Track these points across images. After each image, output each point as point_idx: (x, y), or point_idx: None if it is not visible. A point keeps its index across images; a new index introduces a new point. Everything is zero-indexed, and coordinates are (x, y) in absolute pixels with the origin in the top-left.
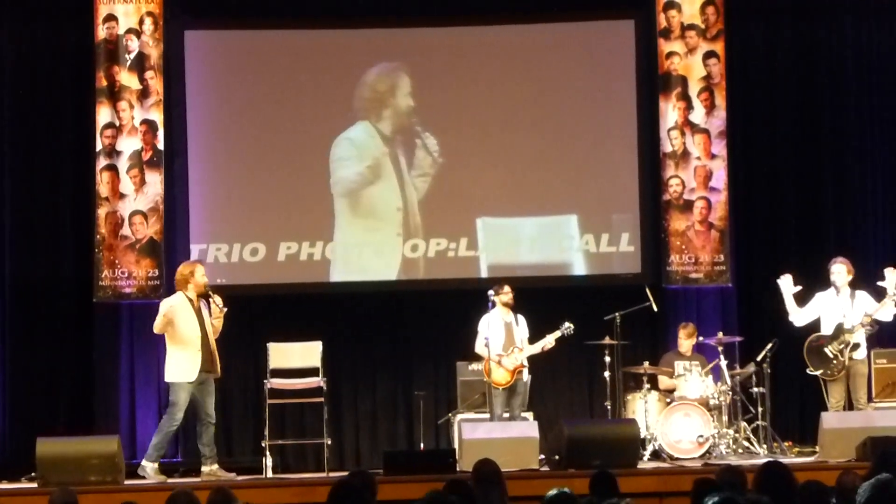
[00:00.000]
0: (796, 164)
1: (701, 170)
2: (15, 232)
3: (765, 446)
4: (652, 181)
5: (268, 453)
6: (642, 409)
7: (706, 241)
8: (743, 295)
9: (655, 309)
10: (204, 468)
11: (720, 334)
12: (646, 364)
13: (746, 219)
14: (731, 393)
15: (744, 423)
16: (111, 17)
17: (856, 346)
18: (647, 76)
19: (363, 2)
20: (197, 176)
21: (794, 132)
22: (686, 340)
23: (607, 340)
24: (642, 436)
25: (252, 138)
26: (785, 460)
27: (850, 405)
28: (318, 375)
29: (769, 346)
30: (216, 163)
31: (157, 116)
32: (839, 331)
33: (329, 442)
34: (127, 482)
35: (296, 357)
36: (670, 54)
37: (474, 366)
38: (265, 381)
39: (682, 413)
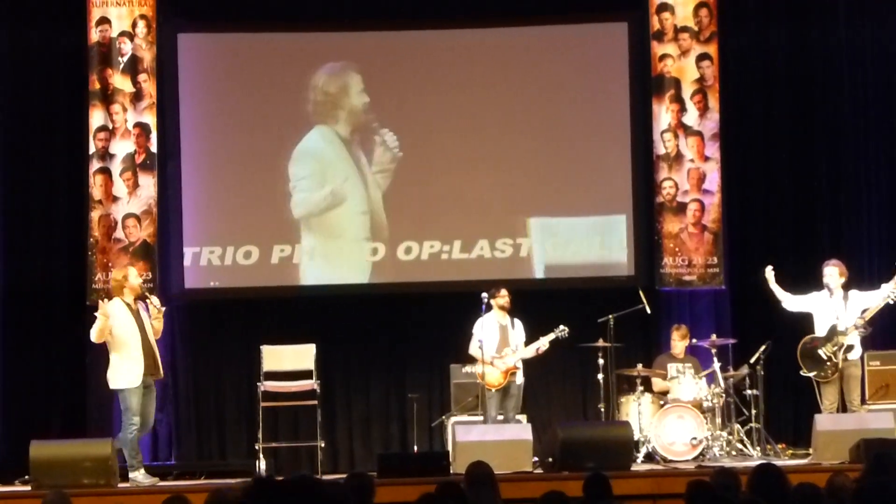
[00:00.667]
0: (790, 166)
1: (694, 172)
2: (8, 235)
3: (758, 448)
4: (645, 183)
5: (261, 456)
6: (636, 411)
7: (699, 243)
8: (736, 297)
9: (649, 311)
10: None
11: (713, 336)
12: (639, 366)
13: (740, 221)
14: (724, 395)
15: (737, 426)
16: (104, 20)
17: (849, 349)
18: (640, 78)
19: (357, 4)
20: (190, 179)
21: (787, 134)
22: (679, 342)
23: (601, 343)
24: (636, 438)
25: (245, 141)
26: (778, 462)
27: (843, 407)
28: (311, 378)
29: (762, 348)
30: (209, 166)
31: (151, 119)
32: (833, 333)
33: (323, 444)
34: (120, 485)
35: (289, 360)
36: (663, 56)
37: (468, 368)
38: (259, 383)
39: (675, 415)
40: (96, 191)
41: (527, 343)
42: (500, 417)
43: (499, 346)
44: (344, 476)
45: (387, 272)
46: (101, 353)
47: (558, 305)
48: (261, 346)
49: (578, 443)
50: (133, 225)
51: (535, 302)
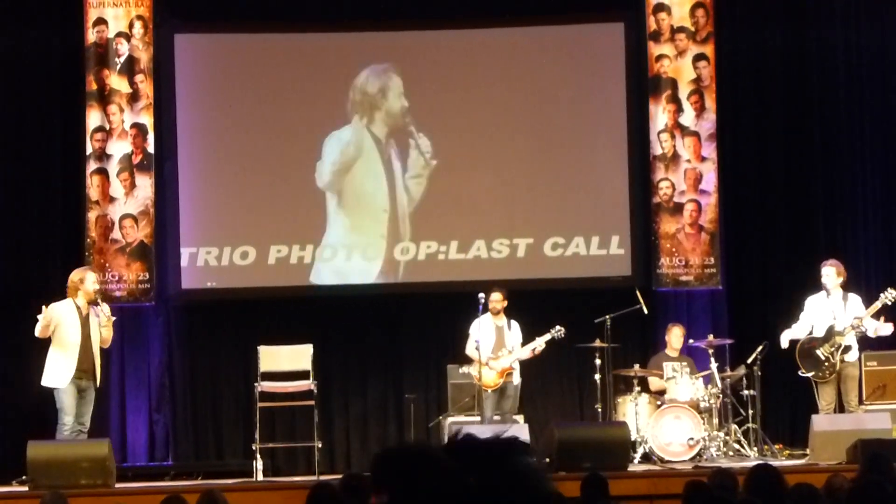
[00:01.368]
0: (786, 166)
1: (691, 172)
2: (4, 235)
3: (755, 449)
4: (642, 184)
5: (258, 456)
6: (633, 411)
7: (696, 243)
8: (733, 297)
9: (646, 311)
10: None
11: (711, 337)
12: (636, 367)
13: (737, 221)
14: (721, 395)
15: (734, 426)
16: (101, 21)
17: (847, 349)
18: (636, 79)
19: (352, 5)
20: (187, 179)
21: (784, 134)
22: (675, 340)
23: (598, 343)
24: (633, 438)
25: (242, 141)
26: (775, 463)
27: (840, 408)
28: (308, 378)
29: (759, 348)
30: (206, 166)
31: (147, 120)
32: (830, 333)
33: (320, 445)
34: (118, 485)
35: (286, 360)
36: (660, 57)
37: (465, 369)
38: (256, 384)
39: (672, 416)
40: (93, 191)
41: (523, 344)
42: (497, 418)
43: (495, 346)
44: (339, 476)
45: (385, 272)
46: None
47: (555, 306)
48: (258, 347)
49: (575, 443)
50: (130, 225)
51: (532, 302)
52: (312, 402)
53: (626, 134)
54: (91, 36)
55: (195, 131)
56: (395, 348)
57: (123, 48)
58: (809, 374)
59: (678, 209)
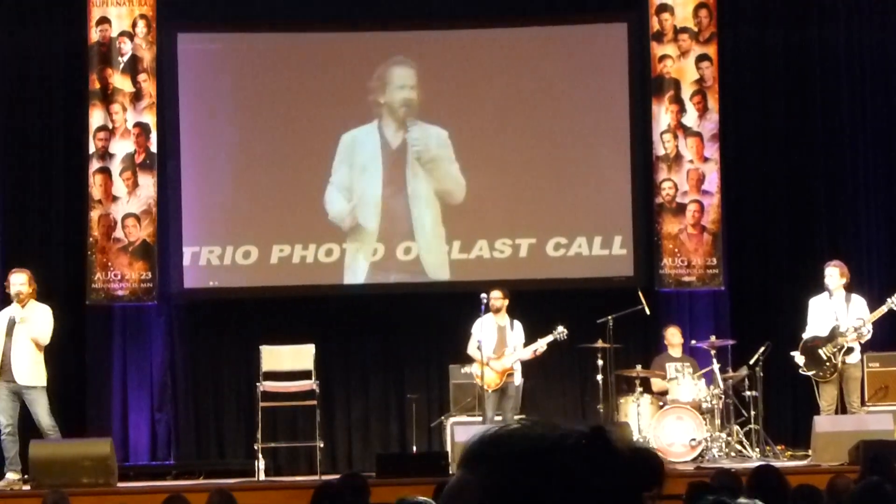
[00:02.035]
0: (789, 166)
1: (693, 173)
2: (7, 234)
3: (757, 450)
4: (644, 184)
5: (260, 456)
6: (635, 412)
7: (699, 244)
8: (735, 298)
9: (648, 312)
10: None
11: (713, 338)
12: (638, 367)
13: (739, 222)
14: (723, 396)
15: (736, 427)
16: (104, 20)
17: (849, 350)
18: (639, 79)
19: (355, 4)
20: (189, 179)
21: (786, 135)
22: (674, 340)
23: (600, 344)
24: (635, 439)
25: (244, 141)
26: (777, 464)
27: (842, 408)
28: (310, 378)
29: (762, 349)
30: (209, 165)
31: (150, 119)
32: (834, 334)
33: (321, 445)
34: (120, 484)
35: (288, 360)
36: (663, 57)
37: (466, 369)
38: (258, 383)
39: (674, 416)
40: (96, 190)
41: (526, 344)
42: (499, 418)
43: (496, 346)
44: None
45: (387, 272)
46: (100, 353)
47: (557, 306)
48: (260, 346)
49: None
50: (133, 224)
51: (535, 303)
52: (314, 402)
53: (628, 134)
54: (94, 35)
55: (198, 130)
56: (397, 348)
57: (126, 47)
58: (811, 374)
59: (681, 210)
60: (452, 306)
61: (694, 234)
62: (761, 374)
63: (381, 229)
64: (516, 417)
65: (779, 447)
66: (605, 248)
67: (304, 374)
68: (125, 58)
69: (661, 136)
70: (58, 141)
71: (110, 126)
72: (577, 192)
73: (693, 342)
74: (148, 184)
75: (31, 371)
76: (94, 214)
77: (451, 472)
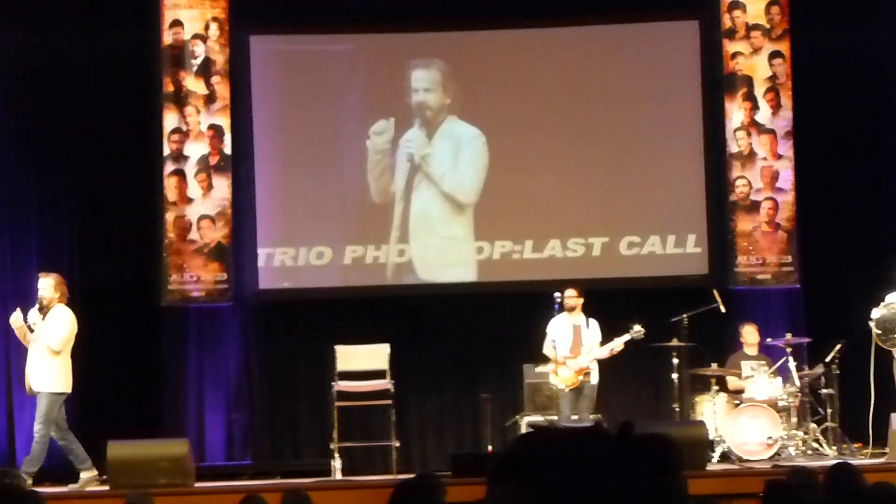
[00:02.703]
0: (862, 163)
1: (767, 170)
2: (82, 236)
3: (834, 448)
4: (718, 182)
5: (336, 455)
6: (710, 410)
7: (773, 241)
8: (810, 296)
9: (723, 310)
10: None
11: (788, 335)
12: (713, 366)
13: (813, 219)
14: (799, 394)
15: (813, 425)
16: (177, 23)
17: None
18: (711, 77)
19: (420, 5)
20: (263, 180)
21: (859, 131)
22: (750, 339)
23: (674, 342)
24: (711, 438)
25: (317, 142)
26: (854, 462)
27: None
28: (385, 378)
29: (837, 347)
30: (282, 167)
31: (224, 121)
32: None
33: (397, 444)
34: (196, 485)
35: (363, 360)
36: (735, 54)
37: (541, 368)
38: (333, 383)
39: (749, 415)
40: (170, 192)
41: (602, 343)
42: (574, 417)
43: (572, 345)
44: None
45: (460, 272)
46: (175, 354)
47: (631, 305)
48: (334, 346)
49: None
50: (207, 226)
51: (608, 301)
52: (389, 402)
53: (701, 132)
54: (167, 38)
55: (271, 132)
56: (471, 348)
57: (199, 50)
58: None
59: (755, 207)
60: (526, 305)
61: (768, 231)
62: (837, 372)
63: (453, 230)
64: (591, 417)
65: (855, 445)
66: (679, 247)
67: (378, 374)
68: (198, 60)
69: (735, 134)
70: (132, 143)
71: (184, 128)
72: (650, 191)
73: (768, 340)
74: (222, 185)
75: (40, 377)
76: (169, 216)
77: None
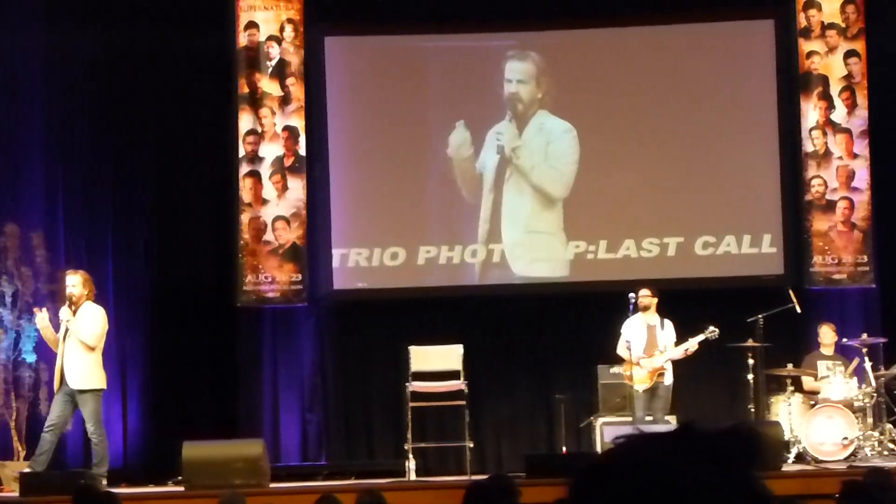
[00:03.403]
0: None
1: (843, 170)
2: (158, 237)
3: None
4: (793, 181)
5: (410, 456)
6: (786, 411)
7: (849, 241)
8: (886, 295)
9: (799, 311)
10: None
11: (864, 335)
12: (789, 366)
13: (889, 219)
14: (875, 395)
15: (888, 425)
16: (252, 25)
17: None
18: (787, 76)
19: (498, 4)
20: (338, 181)
21: None
22: (827, 339)
23: (750, 343)
24: (786, 438)
25: (392, 143)
26: None
27: None
28: (459, 378)
29: None
30: (357, 168)
31: (299, 122)
32: None
33: (471, 445)
34: (272, 485)
35: (437, 360)
36: (810, 54)
37: (615, 369)
38: (407, 384)
39: (825, 415)
40: (246, 194)
41: (677, 343)
42: (649, 418)
43: (646, 346)
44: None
45: (534, 272)
46: (251, 354)
47: (706, 305)
48: (408, 347)
49: None
50: (282, 227)
51: (683, 302)
52: (463, 402)
53: (777, 131)
54: (242, 39)
55: (345, 133)
56: (545, 348)
57: (274, 51)
58: None
59: (830, 207)
60: (600, 306)
61: (844, 231)
62: None
63: (528, 229)
64: (667, 417)
65: None
66: (755, 247)
67: (452, 374)
68: (273, 62)
69: (810, 133)
70: (207, 145)
71: (259, 130)
72: (725, 191)
73: (844, 340)
74: (297, 186)
75: (81, 374)
76: (245, 217)
77: None
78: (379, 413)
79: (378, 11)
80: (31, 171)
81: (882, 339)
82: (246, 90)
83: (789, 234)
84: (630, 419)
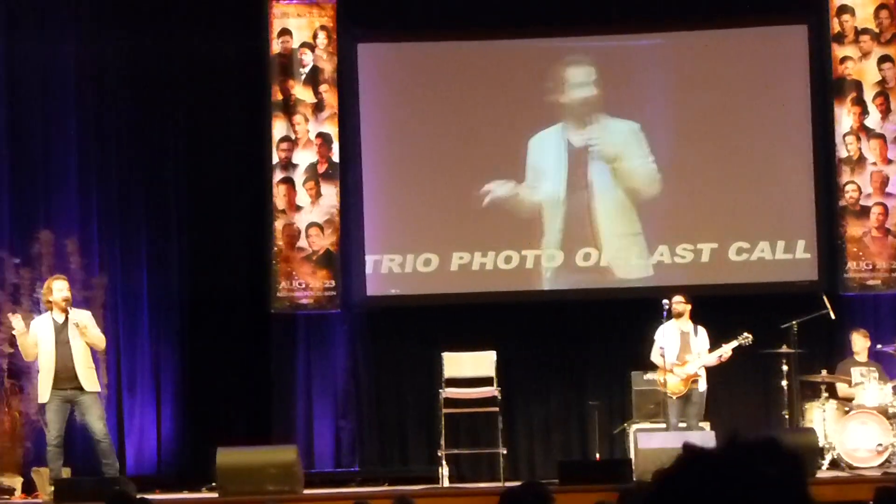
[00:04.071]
0: None
1: (877, 175)
2: (192, 244)
3: None
4: (827, 187)
5: (443, 462)
6: (820, 417)
7: (883, 247)
8: None
9: (833, 317)
10: None
11: None
12: (823, 373)
13: None
14: None
15: None
16: (285, 32)
17: None
18: (820, 81)
19: (536, 10)
20: (371, 188)
21: None
22: (861, 346)
23: (784, 349)
24: (820, 445)
25: (425, 150)
26: None
27: None
28: (492, 385)
29: None
30: (390, 174)
31: (332, 129)
32: None
33: (504, 451)
34: (305, 492)
35: (470, 366)
36: (844, 59)
37: (649, 375)
38: (440, 390)
39: (859, 421)
40: (279, 200)
41: (710, 350)
42: (683, 425)
43: (680, 352)
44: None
45: (567, 278)
46: (284, 361)
47: (740, 311)
48: (441, 353)
49: None
50: (316, 234)
51: (717, 308)
52: (496, 409)
53: (810, 137)
54: (276, 47)
55: (379, 140)
56: (578, 355)
57: (308, 58)
58: None
59: (864, 212)
60: (633, 312)
61: (878, 237)
62: None
63: (564, 234)
64: (701, 424)
65: None
66: (789, 253)
67: (485, 381)
68: (306, 69)
69: (844, 139)
70: (240, 152)
71: (293, 137)
72: (758, 196)
73: (879, 346)
74: (331, 193)
75: (92, 377)
76: (278, 224)
77: (633, 479)
78: (412, 419)
79: (411, 18)
80: (65, 178)
81: None
82: (279, 97)
83: (823, 239)
84: (664, 426)
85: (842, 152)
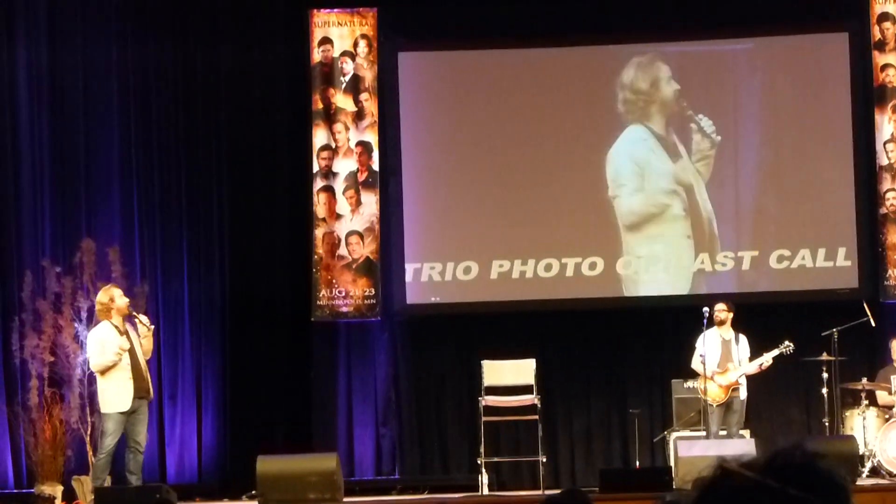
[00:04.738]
0: None
1: None
2: (232, 252)
3: None
4: (868, 195)
5: (483, 470)
6: (860, 425)
7: None
8: None
9: (874, 324)
10: None
11: None
12: (864, 380)
13: None
14: None
15: None
16: (326, 41)
17: None
18: (861, 89)
19: (578, 19)
20: (411, 196)
21: None
22: None
23: (825, 357)
24: (861, 452)
25: (466, 158)
26: None
27: None
28: (532, 393)
29: None
30: (430, 183)
31: (372, 138)
32: None
33: (544, 459)
34: (346, 499)
35: (509, 374)
36: (885, 66)
37: (689, 383)
38: (480, 398)
39: None
40: (320, 209)
41: (751, 358)
42: (723, 433)
43: (721, 360)
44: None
45: (607, 287)
46: (325, 369)
47: (781, 319)
48: (481, 361)
49: None
50: (356, 242)
51: (758, 315)
52: (536, 417)
53: (851, 144)
54: (317, 55)
55: (419, 148)
56: (619, 363)
57: (348, 67)
58: None
59: None
60: (674, 320)
61: None
62: None
63: (601, 244)
64: (741, 432)
65: None
66: (829, 260)
67: (525, 389)
68: (347, 77)
69: (885, 146)
70: (281, 160)
71: (333, 145)
72: (799, 204)
73: None
74: (371, 201)
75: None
76: (319, 232)
77: (674, 486)
78: (452, 427)
79: (451, 27)
80: (107, 187)
81: None
82: (320, 106)
83: (864, 247)
84: (704, 434)
85: (882, 160)
